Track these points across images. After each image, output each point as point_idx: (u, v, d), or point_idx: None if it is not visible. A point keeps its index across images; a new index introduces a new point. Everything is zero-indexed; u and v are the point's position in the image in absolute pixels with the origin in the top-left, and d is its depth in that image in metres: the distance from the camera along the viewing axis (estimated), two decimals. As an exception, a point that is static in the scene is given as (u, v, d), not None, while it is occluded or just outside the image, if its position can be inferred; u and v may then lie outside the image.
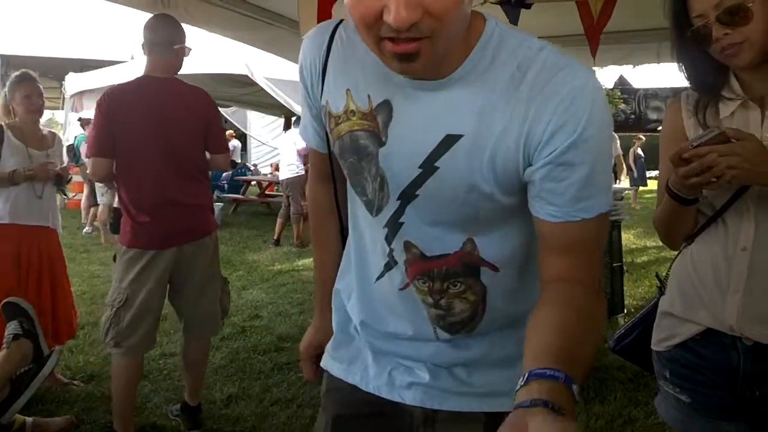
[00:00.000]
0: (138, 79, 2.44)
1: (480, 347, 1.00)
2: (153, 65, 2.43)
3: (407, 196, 0.88)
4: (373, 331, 1.05)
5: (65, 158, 3.37)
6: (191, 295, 2.50)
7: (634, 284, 5.14)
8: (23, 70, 2.97)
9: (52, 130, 3.19)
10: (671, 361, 1.33)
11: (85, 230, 7.89)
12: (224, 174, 11.53)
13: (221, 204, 9.30)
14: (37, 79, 2.93)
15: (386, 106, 0.86)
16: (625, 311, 4.17)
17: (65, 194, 3.62)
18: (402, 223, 0.91)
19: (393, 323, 1.02)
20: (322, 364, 1.16)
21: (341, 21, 0.95)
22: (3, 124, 2.84)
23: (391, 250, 0.95)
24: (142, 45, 2.42)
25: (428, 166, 0.85)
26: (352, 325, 1.09)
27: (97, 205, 7.52)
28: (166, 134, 2.38)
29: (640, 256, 6.62)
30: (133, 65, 6.96)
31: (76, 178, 6.73)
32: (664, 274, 1.45)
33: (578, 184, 0.80)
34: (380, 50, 0.75)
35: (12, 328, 2.32)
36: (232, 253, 6.54)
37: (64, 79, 10.50)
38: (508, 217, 0.89)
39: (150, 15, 2.98)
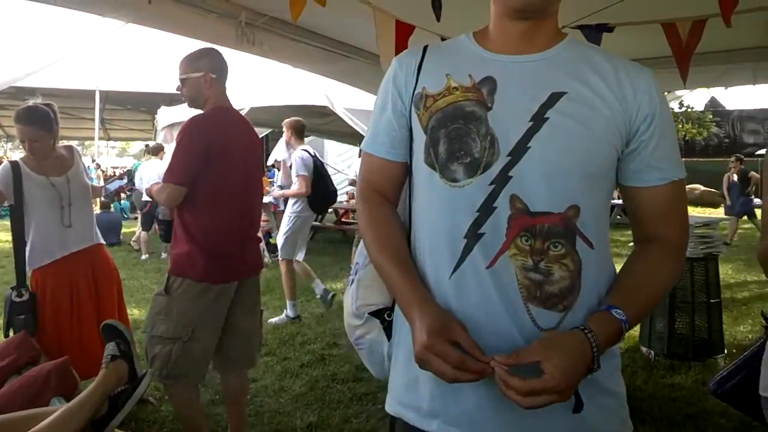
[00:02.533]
0: (222, 109, 2.40)
1: None
2: (224, 95, 2.42)
3: (519, 150, 0.98)
4: None
5: (90, 171, 3.16)
6: (240, 327, 2.48)
7: (733, 322, 4.78)
8: (18, 108, 2.78)
9: (68, 145, 3.07)
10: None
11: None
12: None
13: (300, 231, 9.56)
14: (27, 119, 2.72)
15: (489, 80, 1.02)
16: (725, 351, 3.87)
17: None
18: (511, 177, 0.97)
19: (472, 322, 0.95)
20: (390, 410, 1.10)
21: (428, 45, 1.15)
22: (18, 159, 2.79)
23: (492, 210, 0.97)
24: (210, 74, 2.35)
25: (538, 119, 0.98)
26: None
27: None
28: (249, 165, 2.43)
29: (740, 292, 6.14)
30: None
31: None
32: (770, 311, 1.34)
33: (672, 149, 1.05)
34: None
35: (110, 349, 2.45)
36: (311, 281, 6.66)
37: (156, 113, 11.21)
38: (607, 182, 1.03)
39: (233, 50, 3.14)
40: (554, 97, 0.98)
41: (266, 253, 7.79)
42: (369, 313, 1.17)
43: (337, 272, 7.19)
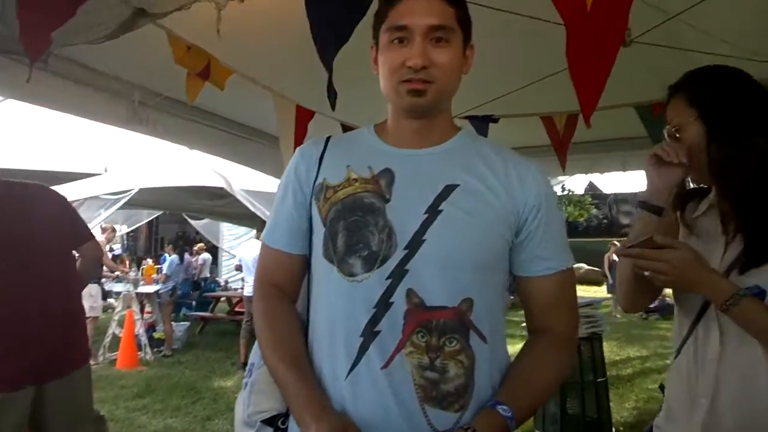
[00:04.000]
0: None
1: None
2: None
3: (415, 243, 0.98)
4: None
5: None
6: None
7: (620, 399, 4.92)
8: None
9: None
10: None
11: None
12: (192, 291, 10.82)
13: (186, 324, 8.58)
14: None
15: (387, 172, 1.05)
16: (614, 431, 3.95)
17: None
18: (407, 270, 0.97)
19: (368, 426, 0.92)
20: None
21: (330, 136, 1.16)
22: None
23: (389, 305, 0.96)
24: None
25: (433, 211, 1.00)
26: None
27: None
28: (18, 249, 2.04)
29: (624, 369, 6.42)
30: (107, 178, 6.99)
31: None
32: (657, 385, 1.41)
33: (558, 239, 1.07)
34: (397, 92, 1.02)
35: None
36: (197, 379, 6.10)
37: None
38: (499, 273, 1.05)
39: (124, 129, 3.00)
40: (448, 189, 1.01)
41: (148, 350, 7.10)
42: (261, 421, 1.09)
43: (228, 368, 6.61)
